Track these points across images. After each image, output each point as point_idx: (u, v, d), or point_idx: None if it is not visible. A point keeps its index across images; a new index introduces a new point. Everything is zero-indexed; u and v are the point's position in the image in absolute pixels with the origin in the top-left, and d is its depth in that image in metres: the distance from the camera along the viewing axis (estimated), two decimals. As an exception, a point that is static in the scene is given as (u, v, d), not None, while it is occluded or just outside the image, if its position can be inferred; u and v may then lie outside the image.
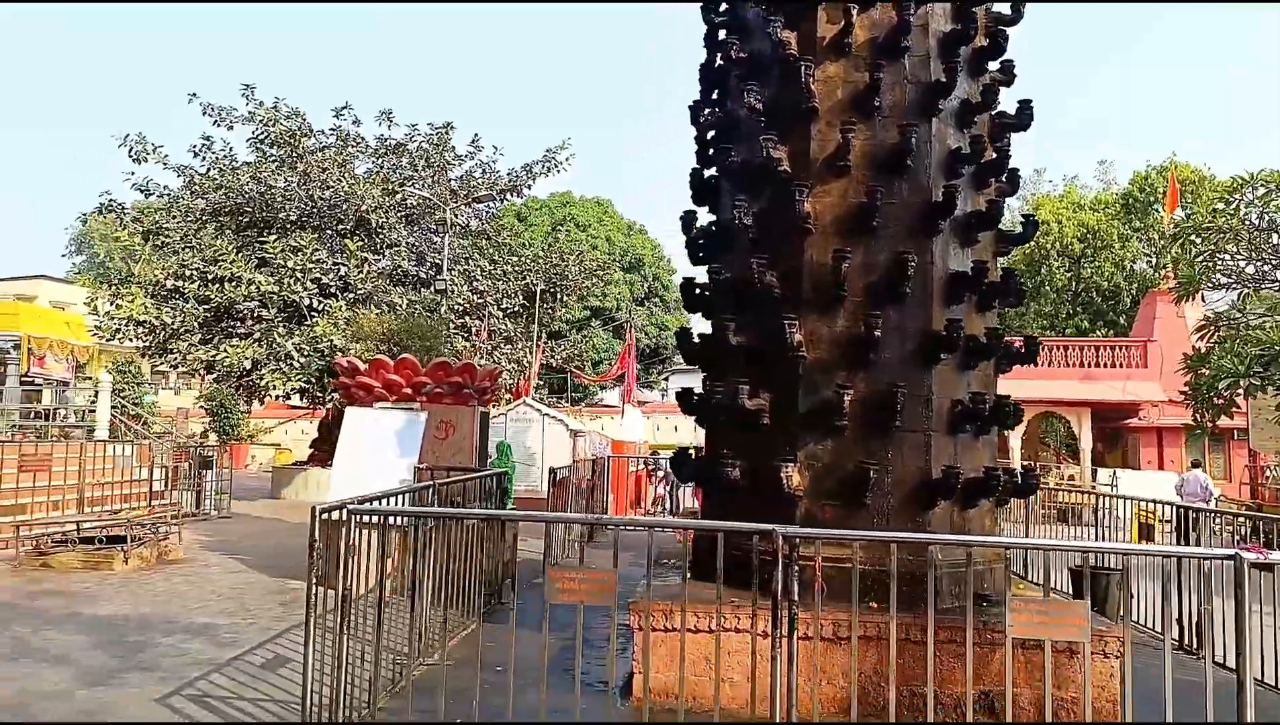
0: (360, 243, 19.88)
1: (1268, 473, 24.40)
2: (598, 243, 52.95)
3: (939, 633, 4.70)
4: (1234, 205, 13.67)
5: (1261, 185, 13.22)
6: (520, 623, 4.50)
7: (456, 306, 20.62)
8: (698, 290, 6.95)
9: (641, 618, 5.25)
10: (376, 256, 20.88)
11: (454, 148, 22.77)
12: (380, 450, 9.02)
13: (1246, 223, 13.78)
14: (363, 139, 22.51)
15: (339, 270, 20.14)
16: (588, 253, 28.49)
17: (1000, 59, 6.52)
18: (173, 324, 18.97)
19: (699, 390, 6.93)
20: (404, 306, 19.81)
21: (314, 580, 4.26)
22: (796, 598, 4.40)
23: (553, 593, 4.14)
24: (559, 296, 23.97)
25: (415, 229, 22.36)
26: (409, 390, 9.19)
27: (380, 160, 22.86)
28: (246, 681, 5.59)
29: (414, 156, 22.55)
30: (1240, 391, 12.46)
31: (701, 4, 7.31)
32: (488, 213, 25.07)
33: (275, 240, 19.00)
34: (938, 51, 6.24)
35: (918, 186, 6.05)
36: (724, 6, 7.15)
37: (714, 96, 7.31)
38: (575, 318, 45.49)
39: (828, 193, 6.05)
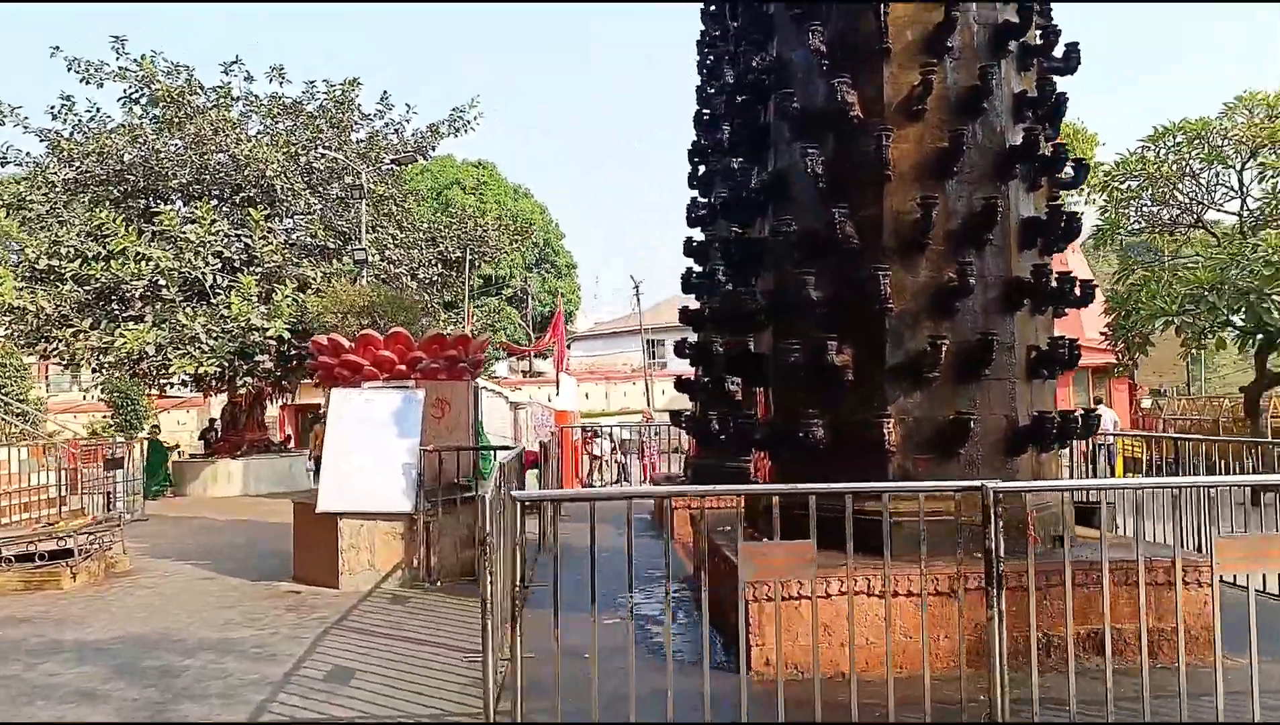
0: (264, 212, 18.29)
1: (1143, 404, 26.60)
2: (486, 208, 51.44)
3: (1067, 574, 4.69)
4: (1153, 153, 14.48)
5: (1181, 134, 14.05)
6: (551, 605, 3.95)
7: (377, 277, 19.42)
8: (749, 246, 6.65)
9: (759, 588, 5.01)
10: (282, 226, 19.32)
11: (360, 107, 21.25)
12: (376, 434, 8.30)
13: (1161, 171, 14.64)
14: (256, 97, 20.68)
15: (241, 242, 18.52)
16: (494, 216, 27.48)
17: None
18: (49, 309, 16.97)
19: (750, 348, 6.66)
20: (318, 280, 18.43)
21: (489, 577, 3.73)
22: (967, 554, 4.23)
23: (748, 569, 3.80)
24: (478, 263, 23.01)
25: (320, 196, 20.81)
26: (403, 367, 8.46)
27: (275, 121, 21.08)
28: (328, 698, 4.97)
29: (314, 117, 20.90)
30: (1170, 329, 13.28)
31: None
32: (394, 177, 23.65)
33: (170, 211, 17.22)
34: (1000, -11, 6.10)
35: (991, 131, 5.93)
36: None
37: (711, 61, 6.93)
38: (470, 287, 44.15)
39: (904, 138, 5.83)
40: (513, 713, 3.65)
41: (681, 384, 12.67)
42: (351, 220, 21.14)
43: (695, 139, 12.74)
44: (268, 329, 16.13)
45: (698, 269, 12.32)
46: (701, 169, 12.52)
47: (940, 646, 5.11)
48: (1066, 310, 6.46)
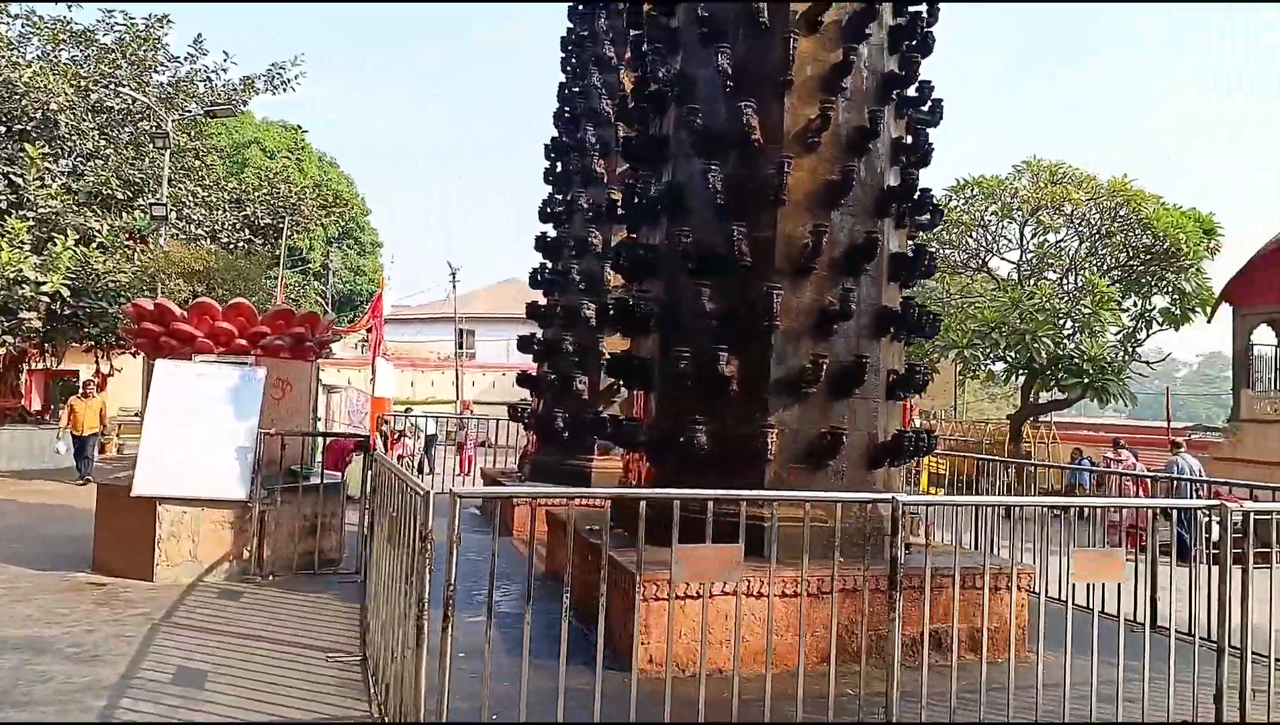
0: (42, 150, 15.99)
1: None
2: (291, 175, 47.92)
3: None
4: (954, 203, 16.23)
5: (978, 188, 15.85)
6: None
7: (175, 237, 17.56)
8: (642, 252, 6.76)
9: (648, 588, 5.14)
10: (61, 168, 16.97)
11: (167, 47, 19.15)
12: (207, 412, 7.57)
13: (962, 220, 16.44)
14: (40, 18, 18.05)
15: (7, 181, 16.08)
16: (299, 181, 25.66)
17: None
18: None
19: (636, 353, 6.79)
20: (105, 233, 16.38)
21: (427, 571, 3.56)
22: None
23: (681, 572, 3.90)
24: (289, 233, 21.41)
25: (111, 139, 18.48)
26: (243, 341, 7.77)
27: (58, 47, 18.50)
28: (185, 702, 4.51)
29: (109, 50, 18.56)
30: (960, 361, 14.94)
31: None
32: (196, 128, 21.46)
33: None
34: (888, 43, 6.64)
35: (873, 170, 6.44)
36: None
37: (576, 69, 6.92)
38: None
39: (799, 167, 6.18)
40: (439, 712, 3.52)
41: (525, 379, 12.61)
42: (146, 170, 18.97)
43: (555, 136, 12.70)
44: (43, 283, 14.13)
45: (548, 264, 12.29)
46: (559, 166, 12.51)
47: (811, 644, 5.48)
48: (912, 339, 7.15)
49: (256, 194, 21.02)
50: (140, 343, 8.08)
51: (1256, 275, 16.14)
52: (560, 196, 12.43)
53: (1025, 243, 16.87)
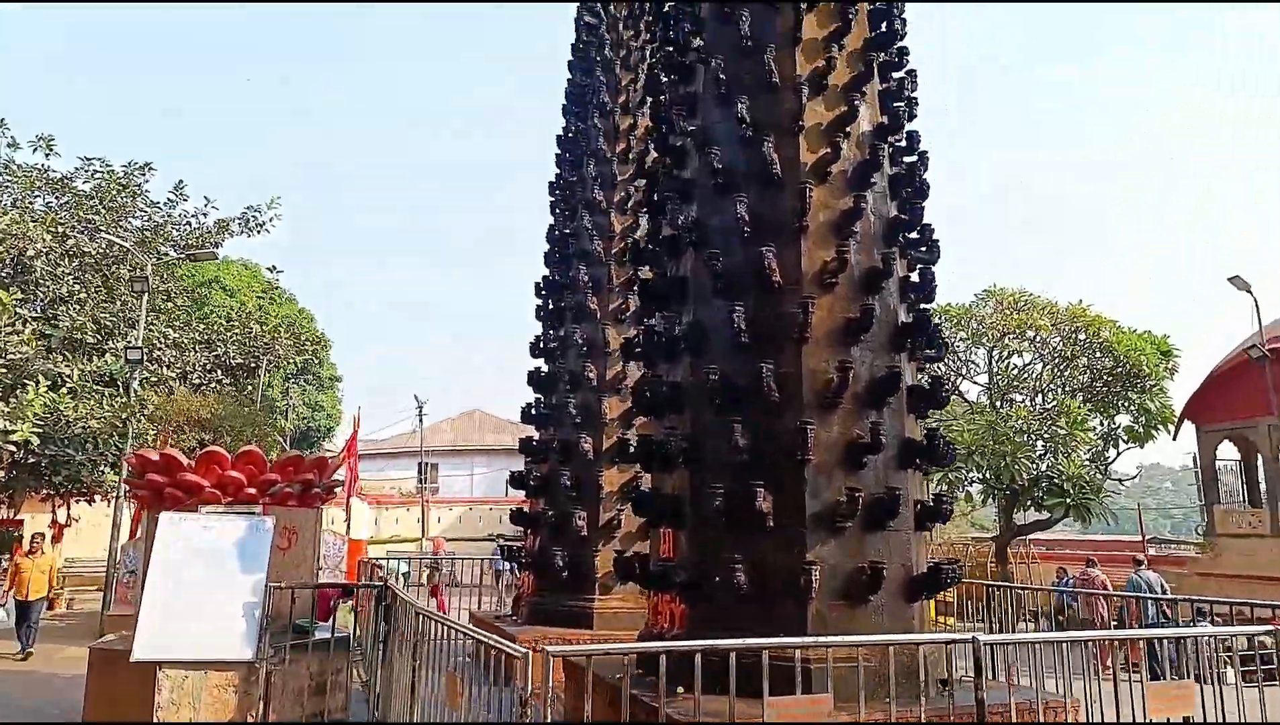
0: (16, 296, 15.82)
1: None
2: (250, 311, 47.81)
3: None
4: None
5: (946, 316, 16.52)
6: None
7: (146, 381, 17.23)
8: (665, 388, 6.86)
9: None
10: (35, 316, 16.74)
11: (147, 193, 19.39)
12: (214, 568, 7.27)
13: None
14: (19, 166, 18.24)
15: (-24, 327, 15.77)
16: (260, 320, 25.59)
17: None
18: None
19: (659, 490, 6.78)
20: (75, 378, 16.02)
21: None
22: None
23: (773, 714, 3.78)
24: (261, 370, 21.21)
25: (84, 283, 18.37)
26: (252, 490, 7.56)
27: (34, 193, 18.62)
28: None
29: (88, 197, 18.73)
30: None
31: (656, 111, 7.47)
32: (168, 270, 21.49)
33: (-109, 283, 14.38)
34: (889, 190, 7.09)
35: (886, 307, 6.72)
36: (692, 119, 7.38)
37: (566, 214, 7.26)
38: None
39: (819, 306, 6.43)
40: None
41: (520, 516, 12.38)
42: (118, 313, 18.82)
43: (546, 275, 13.02)
44: (12, 432, 13.65)
45: (542, 399, 12.33)
46: (550, 303, 12.77)
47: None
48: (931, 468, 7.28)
49: (229, 334, 20.90)
50: (142, 495, 7.81)
51: (1213, 394, 16.91)
52: (553, 332, 12.63)
53: (993, 367, 17.49)
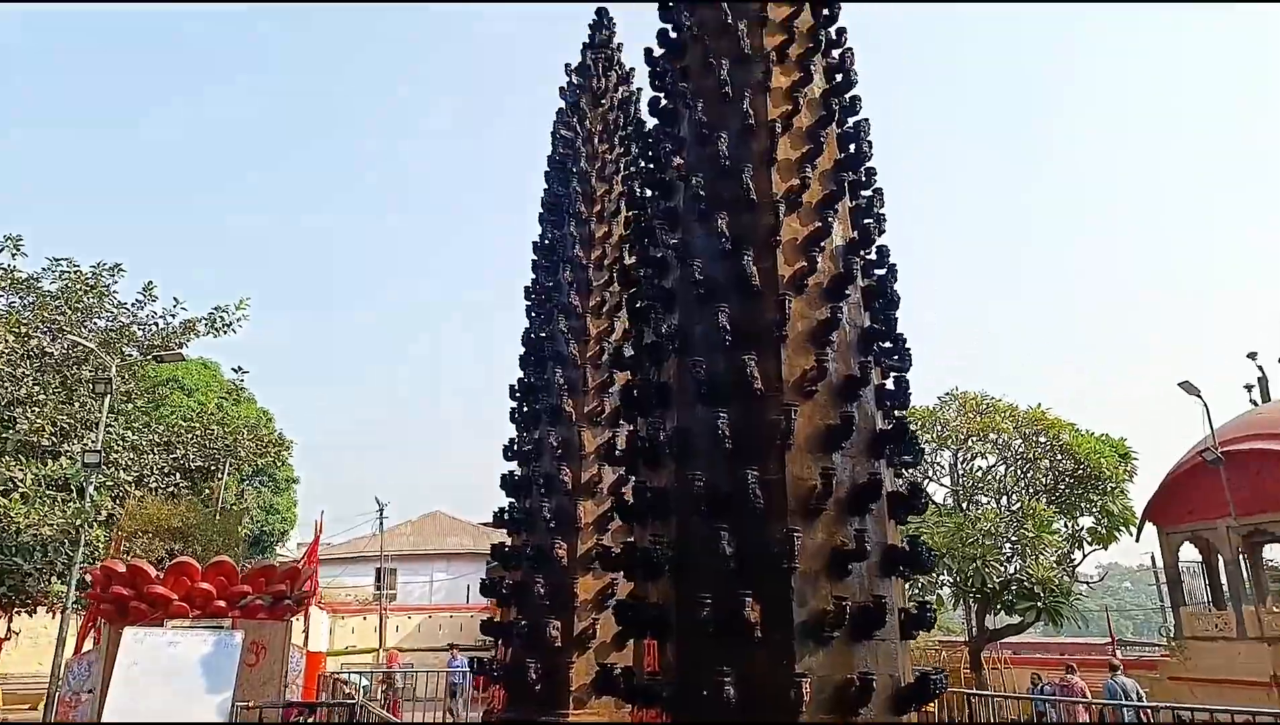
0: (-29, 397, 15.46)
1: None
2: (207, 410, 46.84)
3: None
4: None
5: (912, 417, 16.83)
6: None
7: (105, 486, 16.73)
8: (650, 495, 6.89)
9: None
10: (-11, 416, 16.33)
11: (115, 294, 19.30)
12: (179, 687, 6.97)
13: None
14: (-16, 268, 18.11)
15: (-75, 430, 15.32)
16: (228, 419, 25.15)
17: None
18: None
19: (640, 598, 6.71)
20: (28, 482, 15.52)
21: None
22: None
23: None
24: (221, 474, 20.71)
25: (42, 384, 18.01)
26: (222, 603, 7.32)
27: (1, 295, 18.45)
28: None
29: (54, 297, 18.59)
30: (914, 586, 15.10)
31: (634, 226, 7.77)
32: (129, 371, 21.17)
33: None
34: (862, 302, 7.38)
35: (865, 414, 6.89)
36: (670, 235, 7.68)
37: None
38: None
39: (800, 413, 6.59)
40: None
41: (490, 626, 12.04)
42: (75, 415, 18.42)
43: (521, 378, 13.10)
44: (114, 549, 13.09)
45: (515, 502, 12.20)
46: (525, 407, 12.80)
47: None
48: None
49: (189, 436, 20.50)
50: (104, 609, 7.50)
51: (1171, 496, 17.29)
52: (527, 435, 12.61)
53: (958, 469, 17.77)
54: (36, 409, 16.97)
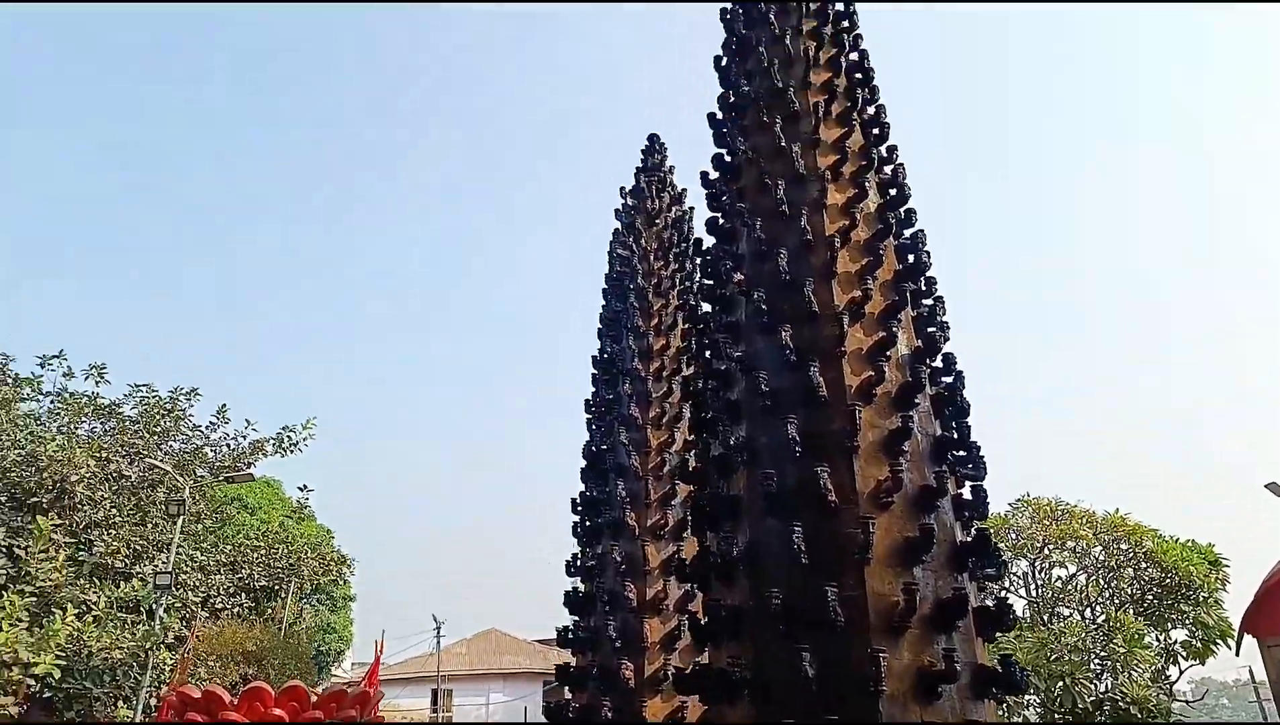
0: (55, 522, 15.95)
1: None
2: (270, 529, 47.45)
3: None
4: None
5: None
6: None
7: (173, 607, 16.95)
8: (724, 613, 6.74)
9: None
10: (70, 539, 16.79)
11: (191, 417, 20.06)
12: (248, 814, 6.86)
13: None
14: (72, 394, 19.04)
15: (10, 553, 15.79)
16: (287, 539, 25.38)
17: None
18: None
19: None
20: (101, 605, 15.80)
21: None
22: None
23: None
24: (284, 593, 20.82)
25: (118, 506, 18.57)
26: (293, 728, 7.27)
27: (81, 419, 19.28)
28: None
29: (134, 422, 19.38)
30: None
31: (698, 337, 7.91)
32: (201, 492, 21.72)
33: (-64, 511, 14.62)
34: (931, 408, 7.33)
35: (944, 526, 6.74)
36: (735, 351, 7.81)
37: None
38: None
39: (877, 526, 6.46)
40: None
41: (556, 756, 11.62)
42: (147, 536, 18.86)
43: (582, 491, 13.12)
44: (34, 665, 13.28)
45: (579, 620, 11.99)
46: (587, 521, 12.76)
47: None
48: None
49: (254, 555, 20.77)
50: (177, 735, 7.49)
51: (1269, 606, 16.20)
52: (589, 550, 12.51)
53: (1036, 579, 17.00)
54: (113, 532, 17.45)
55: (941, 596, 6.33)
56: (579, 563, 12.60)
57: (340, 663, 47.61)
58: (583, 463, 13.42)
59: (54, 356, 19.13)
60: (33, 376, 18.56)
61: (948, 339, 7.90)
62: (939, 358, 7.71)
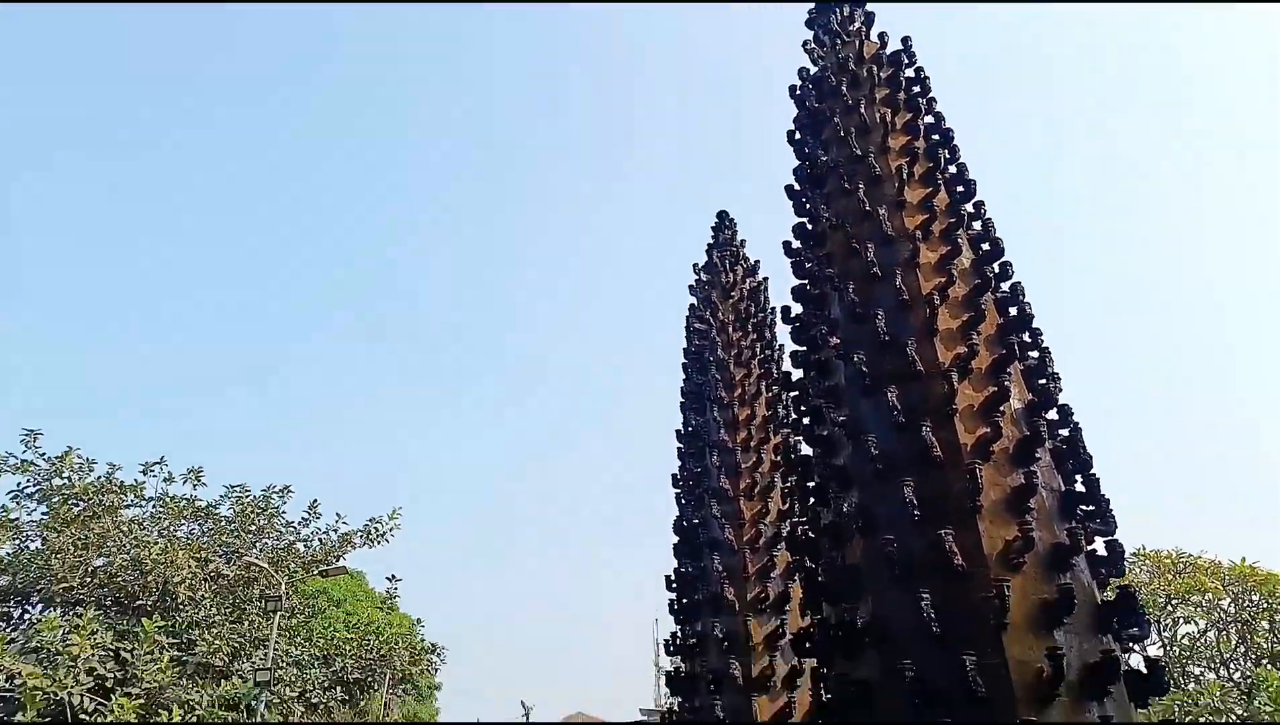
0: (159, 624, 16.37)
1: None
2: (356, 621, 47.78)
3: None
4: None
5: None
6: None
7: (271, 702, 17.09)
8: (853, 689, 6.49)
9: None
10: (172, 639, 17.16)
11: (284, 513, 20.57)
12: None
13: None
14: (172, 498, 19.73)
15: (118, 657, 16.19)
16: (383, 632, 25.47)
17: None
18: None
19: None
20: (204, 704, 16.02)
21: None
22: None
23: None
24: (377, 686, 20.83)
25: (218, 605, 18.99)
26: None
27: (180, 522, 19.92)
28: None
29: (230, 521, 19.95)
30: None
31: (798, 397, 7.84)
32: (294, 587, 22.10)
33: (52, 619, 15.13)
34: (1052, 460, 7.07)
35: (1081, 585, 6.42)
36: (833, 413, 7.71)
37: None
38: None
39: (1011, 588, 6.19)
40: None
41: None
42: (244, 634, 19.16)
43: (676, 568, 12.93)
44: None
45: (683, 701, 11.67)
46: (684, 599, 12.52)
47: None
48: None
49: (347, 648, 20.89)
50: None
51: None
52: (689, 628, 12.24)
53: (1162, 637, 15.98)
54: (213, 630, 17.79)
55: (1089, 660, 6.00)
56: (678, 641, 12.33)
57: (425, 755, 47.02)
58: (674, 539, 13.26)
59: (155, 463, 19.97)
60: (135, 483, 19.33)
61: (1060, 390, 7.67)
62: (1054, 409, 7.48)
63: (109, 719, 14.04)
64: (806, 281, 9.04)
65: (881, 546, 6.61)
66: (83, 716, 14.60)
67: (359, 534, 22.29)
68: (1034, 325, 7.83)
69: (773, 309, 15.13)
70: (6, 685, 14.28)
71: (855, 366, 7.64)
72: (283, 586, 18.11)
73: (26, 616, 17.60)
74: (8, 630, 15.67)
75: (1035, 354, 7.74)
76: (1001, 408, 7.03)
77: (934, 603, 6.21)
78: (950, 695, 5.90)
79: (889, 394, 7.17)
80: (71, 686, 14.66)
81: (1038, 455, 6.87)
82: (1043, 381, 7.52)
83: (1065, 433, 7.35)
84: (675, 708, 11.84)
